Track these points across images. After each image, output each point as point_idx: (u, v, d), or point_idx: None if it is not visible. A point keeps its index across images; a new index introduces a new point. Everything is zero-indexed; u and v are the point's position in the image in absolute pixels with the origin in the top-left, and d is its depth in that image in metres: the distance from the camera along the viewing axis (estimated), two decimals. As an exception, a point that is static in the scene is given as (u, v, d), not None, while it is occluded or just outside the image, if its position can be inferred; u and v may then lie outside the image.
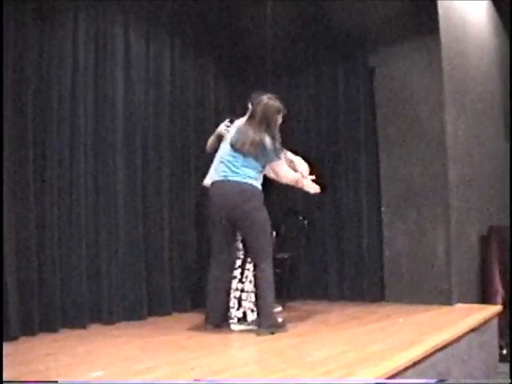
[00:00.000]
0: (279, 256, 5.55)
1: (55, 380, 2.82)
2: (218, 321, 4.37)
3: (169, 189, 5.29)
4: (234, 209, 4.24)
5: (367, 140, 5.86)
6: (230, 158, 4.32)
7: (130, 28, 5.06)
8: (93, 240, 4.68)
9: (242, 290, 4.43)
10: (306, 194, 6.13)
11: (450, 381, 3.74)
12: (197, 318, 4.75)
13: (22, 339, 3.94)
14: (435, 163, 5.41)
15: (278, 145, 4.36)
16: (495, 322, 4.89)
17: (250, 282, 4.43)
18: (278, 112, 4.43)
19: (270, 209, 5.26)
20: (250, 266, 4.44)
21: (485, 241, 5.92)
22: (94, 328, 4.50)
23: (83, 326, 4.43)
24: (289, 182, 4.51)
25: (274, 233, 5.67)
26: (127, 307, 4.83)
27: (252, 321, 4.37)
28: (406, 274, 5.56)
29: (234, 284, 4.45)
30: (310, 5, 5.97)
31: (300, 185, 4.55)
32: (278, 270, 5.42)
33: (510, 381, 4.38)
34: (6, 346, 3.55)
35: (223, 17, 5.98)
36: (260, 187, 4.33)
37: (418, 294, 5.43)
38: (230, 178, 4.28)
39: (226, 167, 4.32)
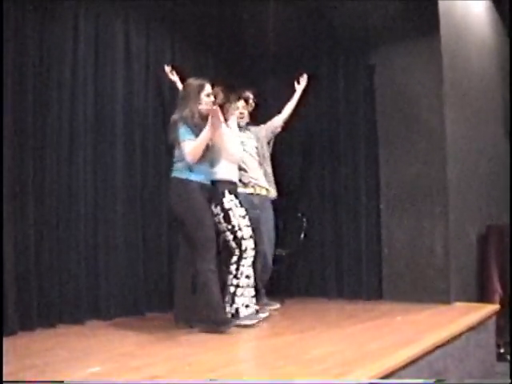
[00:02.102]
0: (277, 253, 5.56)
1: (60, 380, 2.81)
2: (187, 317, 4.34)
3: (167, 187, 5.28)
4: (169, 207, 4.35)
5: (367, 138, 5.86)
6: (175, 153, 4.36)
7: (130, 25, 5.07)
8: (91, 236, 4.68)
9: (237, 286, 4.41)
10: (307, 192, 6.20)
11: (450, 380, 3.74)
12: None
13: (21, 334, 3.95)
14: (434, 162, 5.42)
15: (191, 122, 4.22)
16: (493, 320, 4.90)
17: (247, 277, 4.43)
18: (201, 88, 4.33)
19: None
20: (245, 261, 4.44)
21: (483, 240, 5.92)
22: (92, 324, 4.51)
23: (81, 322, 4.44)
24: (197, 152, 4.22)
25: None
26: (125, 303, 4.84)
27: (245, 316, 4.37)
28: (405, 272, 5.56)
29: (229, 280, 4.45)
30: (310, 3, 5.96)
31: (211, 134, 4.26)
32: (276, 267, 5.46)
33: (509, 381, 4.38)
34: (5, 341, 3.54)
35: (224, 14, 5.97)
36: (185, 176, 4.21)
37: (416, 292, 5.43)
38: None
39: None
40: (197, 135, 4.17)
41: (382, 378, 2.97)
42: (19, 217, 4.10)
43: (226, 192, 4.50)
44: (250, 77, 6.07)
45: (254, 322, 4.37)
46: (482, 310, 4.79)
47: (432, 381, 3.44)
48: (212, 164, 4.44)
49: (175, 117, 4.26)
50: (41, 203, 4.28)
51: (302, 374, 2.93)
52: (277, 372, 2.98)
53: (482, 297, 5.70)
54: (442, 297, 5.24)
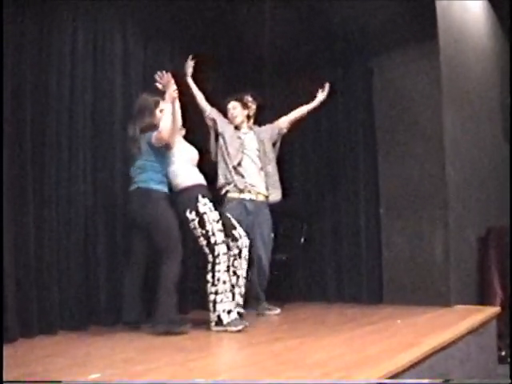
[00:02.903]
0: (278, 258, 5.56)
1: (58, 380, 2.81)
2: (136, 316, 4.46)
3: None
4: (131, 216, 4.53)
5: (366, 142, 5.87)
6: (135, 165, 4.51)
7: (128, 30, 5.09)
8: (91, 242, 4.67)
9: (216, 293, 4.41)
10: (306, 196, 6.20)
11: (456, 380, 3.73)
12: (196, 319, 4.75)
13: (21, 341, 3.94)
14: (434, 165, 5.42)
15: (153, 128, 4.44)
16: (494, 323, 4.90)
17: (224, 282, 4.44)
18: (156, 104, 4.56)
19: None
20: (219, 267, 4.45)
21: (483, 242, 5.92)
22: (93, 330, 4.50)
23: (82, 328, 4.43)
24: (169, 127, 4.39)
25: (272, 234, 5.69)
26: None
27: (228, 323, 4.36)
28: (405, 275, 5.57)
29: (208, 288, 4.45)
30: (309, 7, 5.97)
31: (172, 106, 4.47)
32: (276, 272, 5.46)
33: (509, 381, 4.38)
34: (5, 348, 3.54)
35: (222, 18, 5.97)
36: (149, 186, 4.38)
37: (417, 295, 5.43)
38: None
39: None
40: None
41: (383, 381, 2.97)
42: (19, 223, 4.09)
43: (200, 196, 4.54)
44: (248, 81, 6.08)
45: (239, 327, 4.34)
46: (483, 313, 4.79)
47: (439, 381, 3.44)
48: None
49: (136, 130, 4.46)
50: (41, 209, 4.27)
51: (302, 379, 2.93)
52: (277, 377, 2.97)
53: (483, 299, 5.70)
54: (442, 300, 5.24)
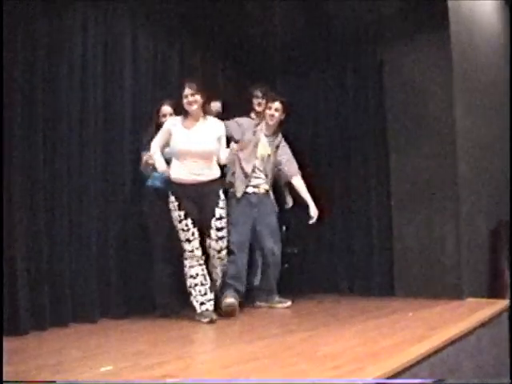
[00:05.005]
0: (289, 250, 5.56)
1: (52, 380, 2.81)
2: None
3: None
4: None
5: (377, 134, 5.84)
6: None
7: (138, 25, 5.10)
8: (102, 235, 4.69)
9: (190, 286, 4.56)
10: (317, 188, 6.19)
11: (449, 381, 3.70)
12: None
13: (33, 334, 3.96)
14: (445, 157, 5.39)
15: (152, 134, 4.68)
16: (505, 316, 4.87)
17: (191, 277, 4.53)
18: (157, 111, 4.84)
19: (279, 203, 5.32)
20: (185, 262, 4.56)
21: (494, 234, 5.90)
22: (104, 323, 4.52)
23: (93, 321, 4.45)
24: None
25: (284, 227, 5.68)
26: (137, 302, 4.85)
27: (198, 313, 4.46)
28: (416, 268, 5.55)
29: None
30: (319, -1, 5.96)
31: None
32: (287, 265, 5.46)
33: (510, 381, 4.34)
34: (17, 341, 3.57)
35: (232, 12, 5.96)
36: (153, 183, 4.76)
37: (428, 288, 5.42)
38: None
39: None
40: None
41: (395, 375, 2.95)
42: (31, 217, 4.11)
43: (170, 192, 4.56)
44: (259, 75, 6.06)
45: (206, 319, 4.39)
46: (494, 306, 4.77)
47: (431, 380, 3.40)
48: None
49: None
50: (52, 202, 4.29)
51: (314, 371, 2.93)
52: (289, 369, 2.97)
53: (494, 292, 5.67)
54: (453, 292, 5.22)
